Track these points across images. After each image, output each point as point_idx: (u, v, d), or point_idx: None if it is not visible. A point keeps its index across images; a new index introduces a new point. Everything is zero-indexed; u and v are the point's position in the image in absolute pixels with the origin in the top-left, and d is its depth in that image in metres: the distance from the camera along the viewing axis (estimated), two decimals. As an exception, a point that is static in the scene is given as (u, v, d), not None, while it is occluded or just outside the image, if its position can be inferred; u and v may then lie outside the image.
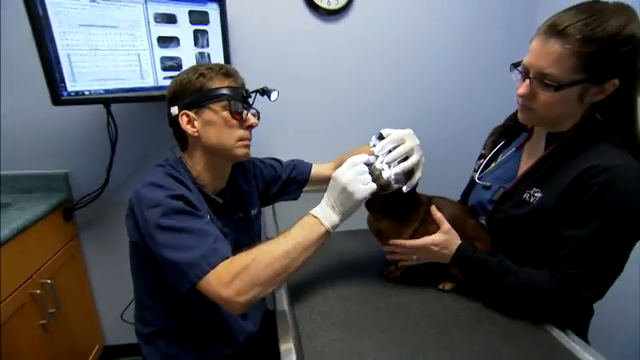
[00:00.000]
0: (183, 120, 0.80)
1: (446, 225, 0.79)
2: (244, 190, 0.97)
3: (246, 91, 0.84)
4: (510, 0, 1.50)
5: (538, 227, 0.72)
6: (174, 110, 0.80)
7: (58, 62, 1.01)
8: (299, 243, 0.68)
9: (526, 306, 0.73)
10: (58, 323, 1.26)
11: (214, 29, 1.25)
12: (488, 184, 0.85)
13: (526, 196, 0.74)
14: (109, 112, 1.20)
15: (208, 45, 1.26)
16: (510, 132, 0.88)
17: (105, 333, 1.61)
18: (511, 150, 0.86)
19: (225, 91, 0.80)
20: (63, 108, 1.10)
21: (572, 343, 0.68)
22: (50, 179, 1.36)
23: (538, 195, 0.72)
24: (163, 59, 1.18)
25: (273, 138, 1.51)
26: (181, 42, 1.20)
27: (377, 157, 0.73)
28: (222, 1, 1.23)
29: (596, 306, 0.78)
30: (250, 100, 0.86)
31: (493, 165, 0.89)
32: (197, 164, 0.84)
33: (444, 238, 0.78)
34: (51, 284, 1.21)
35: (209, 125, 0.80)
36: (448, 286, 0.81)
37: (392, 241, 0.80)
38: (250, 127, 0.84)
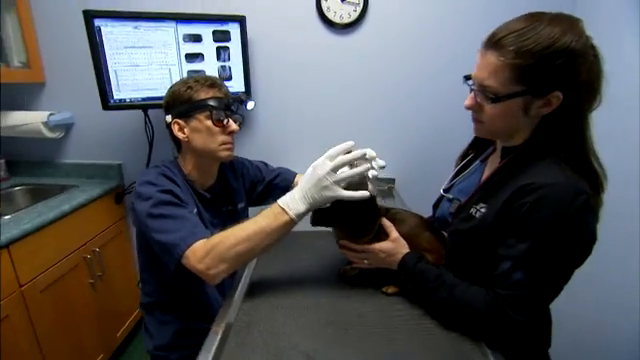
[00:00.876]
0: (175, 127, 0.94)
1: (394, 234, 0.81)
2: (232, 186, 1.10)
3: (228, 100, 0.96)
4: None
5: (480, 243, 0.71)
6: (168, 118, 0.95)
7: (108, 76, 1.28)
8: (262, 229, 0.75)
9: (457, 322, 0.71)
10: (104, 284, 1.56)
11: (235, 45, 1.42)
12: (451, 196, 0.84)
13: (473, 210, 0.73)
14: (146, 115, 1.45)
15: (229, 59, 1.43)
16: (479, 144, 0.86)
17: (145, 301, 1.91)
18: (477, 163, 0.83)
19: (209, 102, 0.91)
20: (119, 113, 1.36)
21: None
22: (107, 168, 1.69)
23: (483, 210, 0.71)
24: (189, 72, 1.39)
25: (290, 146, 1.64)
26: (205, 57, 1.39)
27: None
28: (242, 21, 1.40)
29: (595, 333, 0.71)
30: (234, 107, 0.98)
31: (460, 177, 0.87)
32: (188, 164, 0.98)
33: (392, 246, 0.80)
34: (99, 252, 1.51)
35: (196, 132, 0.93)
36: (391, 290, 0.82)
37: (342, 242, 0.84)
38: (232, 133, 0.96)
